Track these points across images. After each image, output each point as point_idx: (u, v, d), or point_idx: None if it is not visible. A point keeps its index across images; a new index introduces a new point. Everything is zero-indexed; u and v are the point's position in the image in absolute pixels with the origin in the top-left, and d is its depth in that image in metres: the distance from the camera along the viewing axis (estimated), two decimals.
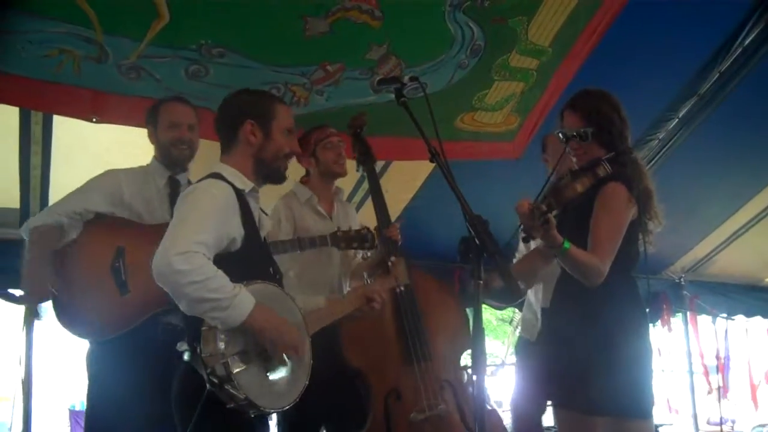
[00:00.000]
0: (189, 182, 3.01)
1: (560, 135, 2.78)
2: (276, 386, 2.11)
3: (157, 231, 2.68)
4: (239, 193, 2.25)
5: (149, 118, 3.03)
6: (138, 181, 2.93)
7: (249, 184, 2.32)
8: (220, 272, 2.01)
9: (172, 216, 2.73)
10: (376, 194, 3.39)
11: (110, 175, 2.92)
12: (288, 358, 2.14)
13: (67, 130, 3.70)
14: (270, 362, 2.10)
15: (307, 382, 2.21)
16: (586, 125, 2.67)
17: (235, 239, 2.18)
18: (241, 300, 2.01)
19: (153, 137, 3.02)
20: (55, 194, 4.04)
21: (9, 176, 3.94)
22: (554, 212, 2.35)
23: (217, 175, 2.27)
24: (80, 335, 2.70)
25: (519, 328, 3.96)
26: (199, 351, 2.00)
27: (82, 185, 2.86)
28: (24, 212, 4.21)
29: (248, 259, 2.23)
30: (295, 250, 3.07)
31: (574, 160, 2.77)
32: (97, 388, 2.75)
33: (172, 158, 2.99)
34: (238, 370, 1.99)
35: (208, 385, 1.99)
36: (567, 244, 2.41)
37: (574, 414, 2.58)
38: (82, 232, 2.77)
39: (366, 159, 3.43)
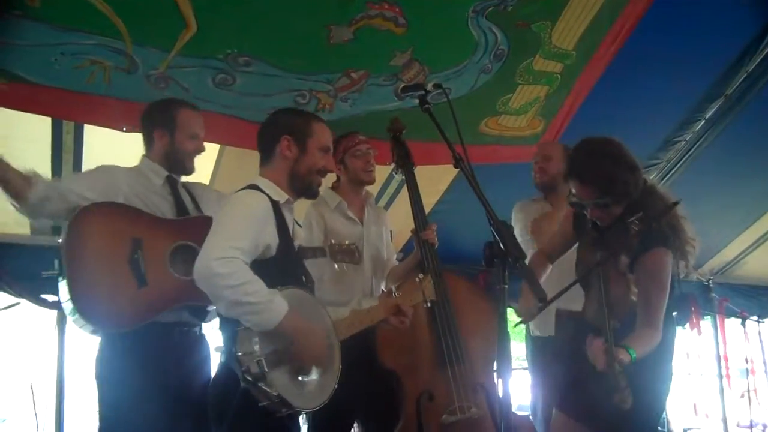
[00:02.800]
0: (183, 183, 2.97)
1: (575, 206, 2.73)
2: (306, 387, 2.20)
3: (174, 226, 2.75)
4: (274, 204, 2.37)
5: (160, 118, 2.88)
6: (134, 178, 2.83)
7: (284, 196, 2.45)
8: (256, 278, 2.12)
9: (176, 214, 2.82)
10: (415, 197, 3.39)
11: (109, 170, 2.81)
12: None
13: (97, 139, 3.76)
14: (298, 363, 2.19)
15: (335, 386, 2.28)
16: (600, 194, 2.60)
17: (270, 246, 2.29)
18: (276, 305, 2.12)
19: (164, 140, 2.87)
20: None
21: None
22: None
23: (254, 186, 2.40)
24: (94, 324, 2.56)
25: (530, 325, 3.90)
26: (235, 350, 2.10)
27: (77, 175, 2.78)
28: None
29: (282, 265, 2.33)
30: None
31: (596, 220, 2.73)
32: (110, 391, 2.67)
33: (185, 166, 2.92)
34: (271, 368, 2.08)
35: (242, 383, 2.08)
36: (633, 354, 2.40)
37: None
38: (98, 216, 2.64)
39: (405, 162, 3.42)
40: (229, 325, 2.18)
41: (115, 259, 2.61)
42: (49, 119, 3.61)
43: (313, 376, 2.22)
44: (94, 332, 2.65)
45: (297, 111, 2.69)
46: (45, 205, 2.65)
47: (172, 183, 2.90)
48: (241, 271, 2.10)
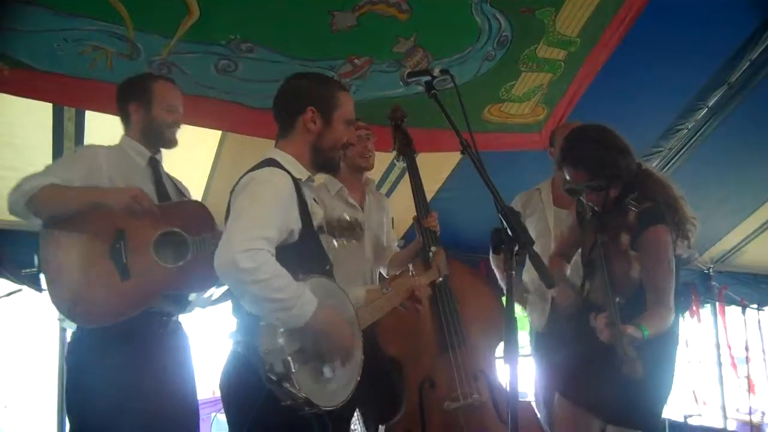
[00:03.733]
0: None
1: (571, 192, 2.79)
2: (330, 384, 2.08)
3: (158, 212, 2.60)
4: (296, 182, 2.19)
5: (135, 92, 2.81)
6: (116, 158, 2.72)
7: (305, 173, 2.28)
8: (285, 271, 1.97)
9: (157, 198, 2.69)
10: (416, 184, 3.38)
11: (89, 151, 2.73)
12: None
13: (99, 125, 3.74)
14: (325, 361, 2.07)
15: (358, 379, 2.18)
16: (592, 177, 2.67)
17: (293, 231, 2.14)
18: (305, 301, 1.98)
19: (140, 113, 2.79)
20: None
21: None
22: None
23: (275, 163, 2.21)
24: (76, 321, 2.49)
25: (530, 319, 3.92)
26: (257, 346, 1.96)
27: (63, 158, 2.64)
28: None
29: (304, 251, 2.18)
30: None
31: (593, 205, 2.79)
32: (82, 381, 2.54)
33: (165, 138, 2.83)
34: (296, 368, 1.95)
35: (265, 382, 1.95)
36: (646, 332, 2.43)
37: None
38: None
39: (407, 150, 3.41)
40: (248, 316, 2.03)
41: (96, 251, 2.50)
42: (50, 105, 3.59)
43: (337, 372, 2.09)
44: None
45: (321, 77, 2.44)
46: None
47: (154, 165, 2.82)
48: (268, 264, 1.93)
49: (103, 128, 3.74)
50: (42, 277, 2.48)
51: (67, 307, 2.46)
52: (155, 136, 2.82)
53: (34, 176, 2.53)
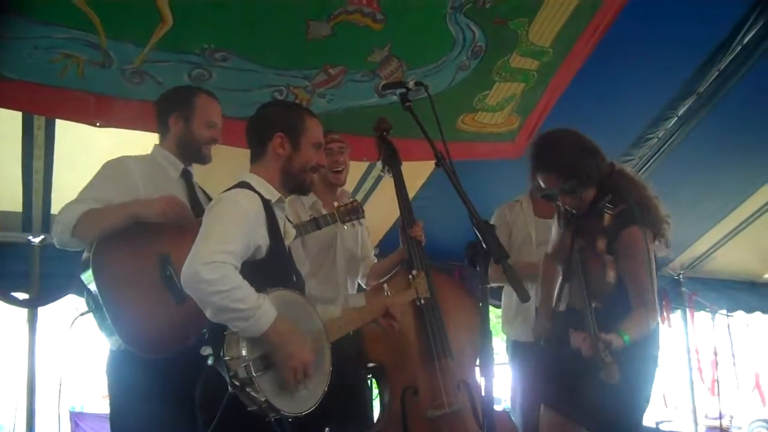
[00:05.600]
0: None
1: (547, 197, 2.82)
2: (296, 392, 2.13)
3: (197, 230, 2.44)
4: (266, 203, 2.30)
5: (178, 103, 2.78)
6: (148, 170, 2.70)
7: (276, 194, 2.38)
8: (245, 283, 2.06)
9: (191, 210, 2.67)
10: (402, 194, 3.37)
11: (120, 165, 2.65)
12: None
13: (69, 134, 3.71)
14: (284, 370, 2.11)
15: (325, 389, 2.24)
16: (565, 180, 2.70)
17: (261, 247, 2.24)
18: (263, 312, 2.06)
19: (180, 125, 2.76)
20: (58, 198, 4.05)
21: (12, 180, 3.96)
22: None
23: (246, 185, 2.32)
24: (146, 354, 2.46)
25: (510, 331, 3.92)
26: (222, 354, 2.06)
27: (95, 178, 2.59)
28: (26, 216, 4.23)
29: (272, 267, 2.27)
30: (313, 229, 3.07)
31: (570, 209, 2.82)
32: (122, 395, 2.58)
33: (201, 154, 2.81)
34: (259, 373, 2.03)
35: (230, 388, 2.04)
36: (627, 338, 2.47)
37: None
38: (117, 245, 2.46)
39: (392, 161, 3.38)
40: (217, 327, 2.12)
41: (148, 281, 2.47)
42: (20, 114, 3.54)
43: (302, 381, 2.13)
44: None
45: (289, 105, 2.67)
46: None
47: (187, 177, 2.81)
48: (229, 275, 2.04)
49: (74, 137, 3.71)
50: (97, 316, 2.48)
51: (135, 343, 2.45)
52: (192, 151, 2.80)
53: (68, 206, 2.51)
